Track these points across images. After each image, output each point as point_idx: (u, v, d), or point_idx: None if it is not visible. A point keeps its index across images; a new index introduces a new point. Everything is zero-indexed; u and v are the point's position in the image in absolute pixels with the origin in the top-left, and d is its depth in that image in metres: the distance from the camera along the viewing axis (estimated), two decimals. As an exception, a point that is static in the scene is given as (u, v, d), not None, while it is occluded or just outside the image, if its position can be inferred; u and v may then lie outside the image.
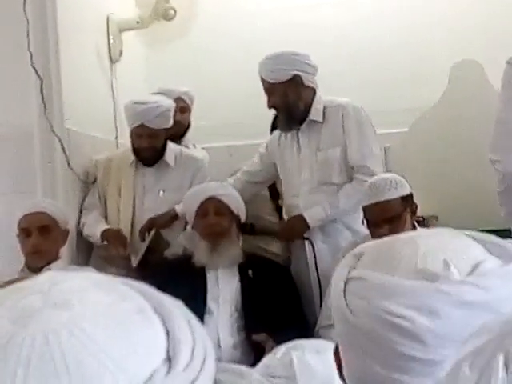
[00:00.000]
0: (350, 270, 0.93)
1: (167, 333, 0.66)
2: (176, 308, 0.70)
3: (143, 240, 3.61)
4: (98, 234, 3.67)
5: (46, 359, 0.60)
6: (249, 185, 3.74)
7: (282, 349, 1.47)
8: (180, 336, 0.66)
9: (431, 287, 0.86)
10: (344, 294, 0.91)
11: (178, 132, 4.06)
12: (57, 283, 0.66)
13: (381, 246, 0.96)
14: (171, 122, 3.75)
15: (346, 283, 0.92)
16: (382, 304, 0.86)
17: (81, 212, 3.82)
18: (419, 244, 0.92)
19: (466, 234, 0.95)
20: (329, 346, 1.48)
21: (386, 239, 0.98)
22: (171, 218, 3.67)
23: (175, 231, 3.70)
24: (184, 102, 4.11)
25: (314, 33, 4.70)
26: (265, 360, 1.49)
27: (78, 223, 3.79)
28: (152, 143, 3.70)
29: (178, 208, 3.62)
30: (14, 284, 0.69)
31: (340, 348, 0.96)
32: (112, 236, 3.64)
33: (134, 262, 3.57)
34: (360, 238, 3.17)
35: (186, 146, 4.10)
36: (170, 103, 3.75)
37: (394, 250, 0.92)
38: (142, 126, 3.64)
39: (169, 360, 0.65)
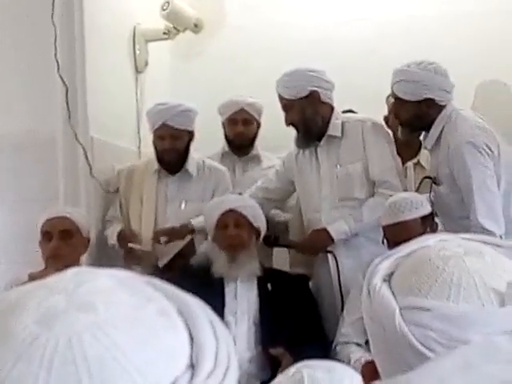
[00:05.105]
0: (397, 297, 0.88)
1: (191, 337, 0.66)
2: (199, 309, 0.69)
3: (158, 242, 3.60)
4: (115, 241, 3.70)
5: (69, 363, 0.59)
6: (265, 201, 3.69)
7: (293, 368, 1.49)
8: (203, 341, 0.65)
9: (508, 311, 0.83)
10: (406, 325, 0.85)
11: (242, 144, 4.04)
12: (82, 283, 0.66)
13: (417, 266, 0.91)
14: (193, 126, 3.73)
15: (401, 314, 0.86)
16: (465, 336, 0.82)
17: (105, 223, 3.84)
18: (467, 263, 0.88)
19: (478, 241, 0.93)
20: (340, 366, 1.52)
21: (416, 255, 0.93)
22: (188, 231, 3.63)
23: (199, 240, 3.69)
24: (247, 113, 4.00)
25: (340, 48, 4.68)
26: (277, 379, 1.51)
27: (101, 233, 3.81)
28: (174, 145, 3.69)
29: (195, 222, 3.61)
30: (38, 279, 0.68)
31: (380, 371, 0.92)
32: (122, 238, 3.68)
33: (161, 263, 3.58)
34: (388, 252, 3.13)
35: (258, 158, 4.08)
36: (192, 106, 3.74)
37: (439, 270, 0.88)
38: (163, 125, 3.65)
39: (192, 367, 0.64)
